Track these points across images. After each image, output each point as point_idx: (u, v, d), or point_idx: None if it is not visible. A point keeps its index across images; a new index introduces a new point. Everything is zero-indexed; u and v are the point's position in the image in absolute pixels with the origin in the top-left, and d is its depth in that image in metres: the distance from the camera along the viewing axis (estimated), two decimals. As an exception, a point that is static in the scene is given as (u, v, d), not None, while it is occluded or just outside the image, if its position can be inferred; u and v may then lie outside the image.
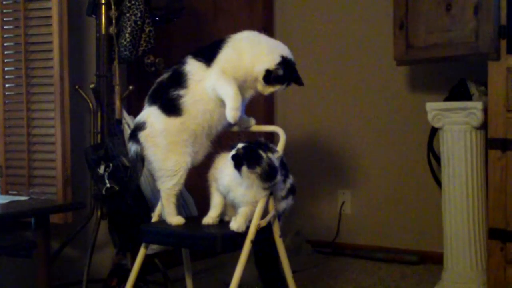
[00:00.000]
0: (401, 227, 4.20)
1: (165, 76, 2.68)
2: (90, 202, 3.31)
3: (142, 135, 2.61)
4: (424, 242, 4.14)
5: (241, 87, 2.63)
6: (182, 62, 2.66)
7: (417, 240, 4.15)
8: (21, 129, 3.27)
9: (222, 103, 2.60)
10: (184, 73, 2.63)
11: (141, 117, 2.66)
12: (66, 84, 3.22)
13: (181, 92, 2.60)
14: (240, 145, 2.54)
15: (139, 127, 2.63)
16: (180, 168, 2.61)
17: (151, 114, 2.63)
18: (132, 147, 2.63)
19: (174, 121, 2.59)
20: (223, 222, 2.67)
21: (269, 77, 2.64)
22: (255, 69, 2.64)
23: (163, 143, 2.59)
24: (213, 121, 2.64)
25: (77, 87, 3.30)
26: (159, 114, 2.61)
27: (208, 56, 2.64)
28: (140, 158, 2.62)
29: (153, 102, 2.65)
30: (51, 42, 3.21)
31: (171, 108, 2.60)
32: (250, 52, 2.65)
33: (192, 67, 2.64)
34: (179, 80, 2.62)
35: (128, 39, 3.21)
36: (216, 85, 2.59)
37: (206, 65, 2.63)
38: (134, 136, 2.64)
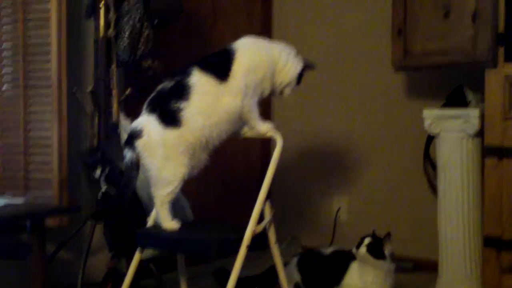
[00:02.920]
0: (396, 234, 4.15)
1: (167, 85, 2.64)
2: (86, 205, 3.31)
3: (139, 144, 2.58)
4: (419, 249, 4.13)
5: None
6: (186, 73, 2.62)
7: (412, 247, 4.14)
8: (17, 131, 3.27)
9: (226, 121, 2.61)
10: (187, 86, 2.59)
11: (138, 124, 2.62)
12: (64, 86, 3.22)
13: (182, 104, 2.57)
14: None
15: (136, 134, 2.60)
16: (176, 178, 2.58)
17: (148, 123, 2.59)
18: (128, 155, 2.60)
19: (171, 133, 2.56)
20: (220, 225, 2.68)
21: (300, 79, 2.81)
22: (285, 78, 2.75)
23: (160, 154, 2.57)
24: (211, 136, 2.61)
25: (74, 90, 3.29)
26: (157, 124, 2.58)
27: (219, 70, 2.62)
28: (135, 166, 2.60)
29: (151, 110, 2.61)
30: (49, 44, 3.21)
31: (170, 120, 2.57)
32: (267, 62, 2.70)
33: (198, 80, 2.60)
34: (181, 92, 2.58)
35: (126, 42, 3.21)
36: (247, 112, 2.65)
37: (218, 80, 2.60)
38: (130, 143, 2.61)
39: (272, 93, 2.79)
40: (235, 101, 2.60)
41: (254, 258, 2.96)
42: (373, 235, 2.94)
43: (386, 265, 2.88)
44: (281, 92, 2.80)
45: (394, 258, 2.93)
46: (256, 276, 3.23)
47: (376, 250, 2.86)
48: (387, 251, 2.88)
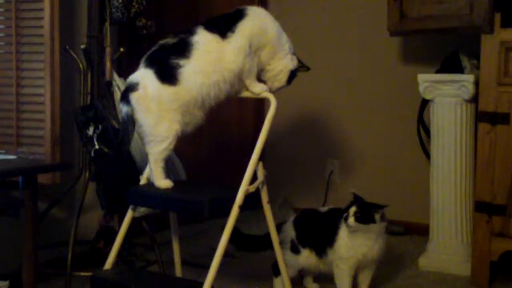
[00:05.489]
0: (388, 198, 4.16)
1: (169, 41, 2.60)
2: (79, 163, 3.31)
3: (133, 97, 2.56)
4: (410, 213, 4.16)
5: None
6: (190, 32, 2.58)
7: (404, 211, 4.17)
8: (10, 88, 3.25)
9: (226, 80, 2.59)
10: (190, 43, 2.56)
11: (135, 77, 2.59)
12: (57, 44, 3.18)
13: (182, 61, 2.54)
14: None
15: (131, 87, 2.57)
16: (169, 134, 2.57)
17: (145, 76, 2.56)
18: (124, 108, 2.58)
19: (166, 90, 2.54)
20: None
21: (293, 78, 2.75)
22: (277, 66, 2.70)
23: (154, 109, 2.55)
24: (208, 96, 2.58)
25: (67, 47, 3.27)
26: (153, 78, 2.55)
27: (224, 27, 2.58)
28: (131, 120, 2.58)
29: (149, 64, 2.58)
30: (42, 1, 3.17)
31: (167, 76, 2.54)
32: (275, 36, 2.66)
33: (202, 38, 2.57)
34: (183, 49, 2.55)
35: (120, 0, 3.17)
36: (246, 71, 2.61)
37: (221, 37, 2.58)
38: (125, 97, 2.59)
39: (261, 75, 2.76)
40: (237, 58, 2.57)
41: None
42: (356, 200, 2.93)
43: (376, 228, 2.89)
44: (269, 83, 2.74)
45: (385, 218, 2.94)
46: (257, 236, 3.26)
47: (364, 217, 2.87)
48: (377, 216, 2.89)
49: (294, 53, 2.75)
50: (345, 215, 2.90)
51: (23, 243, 2.78)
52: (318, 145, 4.57)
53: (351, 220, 2.87)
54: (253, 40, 2.60)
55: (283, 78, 2.73)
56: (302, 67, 2.78)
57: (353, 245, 2.92)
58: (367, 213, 2.87)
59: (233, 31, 2.58)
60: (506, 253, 3.19)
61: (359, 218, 2.86)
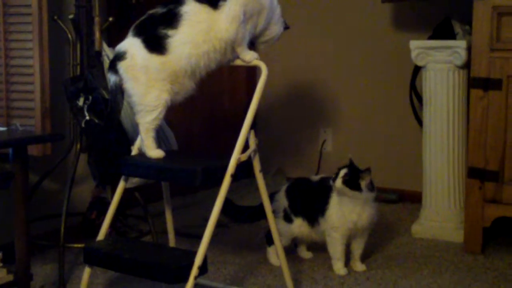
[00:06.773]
0: (382, 166, 4.21)
1: (158, 11, 2.57)
2: (69, 134, 3.29)
3: (121, 66, 2.54)
4: (403, 181, 4.17)
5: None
6: (179, 3, 2.55)
7: (397, 178, 4.18)
8: (-2, 60, 3.21)
9: (217, 50, 2.56)
10: (179, 14, 2.52)
11: (122, 46, 2.57)
12: (45, 14, 3.14)
13: (170, 32, 2.51)
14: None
15: (119, 56, 2.54)
16: (159, 104, 2.55)
17: (133, 45, 2.54)
18: (112, 78, 2.56)
19: (154, 59, 2.52)
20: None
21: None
22: (272, 32, 2.70)
23: (142, 78, 2.53)
24: (198, 66, 2.55)
25: (55, 17, 3.23)
26: (141, 48, 2.53)
27: None
28: (120, 89, 2.56)
29: (138, 33, 2.56)
30: (29, -30, 3.12)
31: (155, 45, 2.52)
32: (267, 2, 2.63)
33: (191, 8, 2.53)
34: (171, 19, 2.52)
35: (108, -31, 3.14)
36: (239, 39, 2.57)
37: (212, 6, 2.54)
38: (113, 66, 2.57)
39: (254, 41, 2.74)
40: (231, 26, 2.54)
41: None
42: (350, 165, 2.94)
43: (363, 196, 2.90)
44: (261, 46, 2.74)
45: (374, 188, 2.95)
46: (250, 207, 3.26)
47: (352, 182, 2.88)
48: (363, 183, 2.89)
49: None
50: (333, 176, 2.91)
51: (14, 215, 2.76)
52: (310, 114, 4.55)
53: (339, 182, 2.88)
54: (248, 8, 2.57)
55: (274, 40, 2.75)
56: (286, 27, 2.78)
57: (343, 213, 2.93)
58: (354, 178, 2.88)
59: (224, 0, 2.55)
60: (498, 219, 3.20)
61: (347, 182, 2.87)
